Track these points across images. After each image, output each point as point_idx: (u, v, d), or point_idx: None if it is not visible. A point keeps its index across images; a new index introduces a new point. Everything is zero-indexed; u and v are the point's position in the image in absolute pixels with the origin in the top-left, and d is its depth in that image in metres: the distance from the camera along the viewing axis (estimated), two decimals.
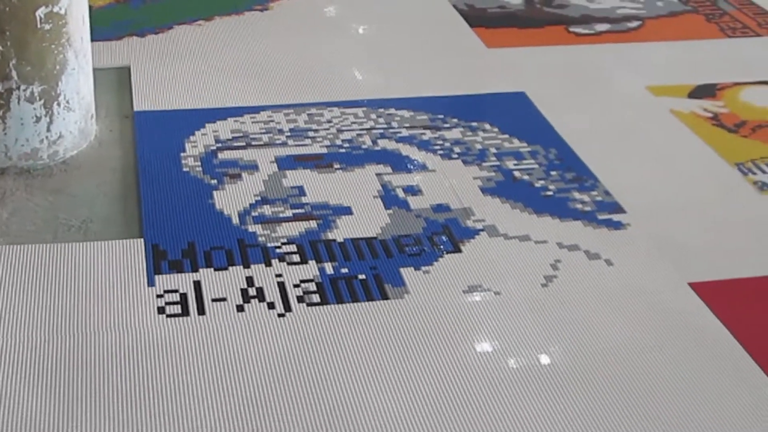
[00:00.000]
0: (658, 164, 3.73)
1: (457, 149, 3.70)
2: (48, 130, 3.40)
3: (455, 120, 3.90)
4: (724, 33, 4.94)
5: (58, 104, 3.39)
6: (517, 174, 3.58)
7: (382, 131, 3.77)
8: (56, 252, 2.98)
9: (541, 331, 2.84)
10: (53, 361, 2.58)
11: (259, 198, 3.31)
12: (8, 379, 2.52)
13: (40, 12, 3.21)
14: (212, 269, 2.97)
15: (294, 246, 3.09)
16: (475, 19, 4.83)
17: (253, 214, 3.23)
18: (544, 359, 2.74)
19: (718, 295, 3.04)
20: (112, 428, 2.41)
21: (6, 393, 2.48)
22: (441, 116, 3.92)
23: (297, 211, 3.26)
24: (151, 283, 2.89)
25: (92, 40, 3.53)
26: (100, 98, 3.73)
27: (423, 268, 3.05)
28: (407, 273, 3.02)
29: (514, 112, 4.01)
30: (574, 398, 2.61)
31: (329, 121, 3.81)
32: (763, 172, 3.74)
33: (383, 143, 3.70)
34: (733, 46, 4.83)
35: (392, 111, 3.93)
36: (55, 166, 3.42)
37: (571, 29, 4.83)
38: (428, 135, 3.78)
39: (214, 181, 3.38)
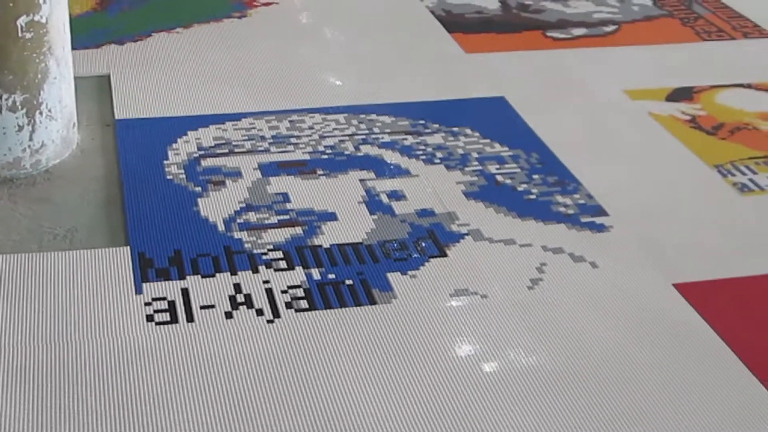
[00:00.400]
0: (639, 167, 3.76)
1: (439, 154, 3.71)
2: (30, 139, 3.38)
3: (436, 125, 3.92)
4: (699, 36, 4.98)
5: (41, 113, 3.38)
6: (499, 178, 3.59)
7: (364, 137, 3.78)
8: (42, 261, 2.97)
9: (528, 334, 2.85)
10: (42, 370, 2.57)
11: (244, 205, 3.31)
12: None
13: (21, 21, 3.20)
14: (199, 276, 2.97)
15: (280, 252, 3.10)
16: (453, 24, 4.85)
17: (238, 221, 3.23)
18: (532, 361, 2.75)
19: (703, 296, 3.07)
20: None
21: None
22: (422, 121, 3.93)
23: (282, 217, 3.27)
24: (138, 291, 2.89)
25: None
26: (81, 107, 3.72)
27: (410, 272, 3.06)
28: (394, 278, 3.03)
29: (494, 117, 4.03)
30: (561, 399, 2.63)
31: (311, 128, 3.82)
32: (743, 173, 3.78)
33: (366, 149, 3.70)
34: (708, 49, 4.87)
35: (373, 117, 3.94)
36: (38, 175, 3.41)
37: (548, 34, 4.86)
38: (410, 140, 3.79)
39: (198, 189, 3.38)
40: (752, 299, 3.11)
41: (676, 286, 3.11)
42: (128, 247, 3.07)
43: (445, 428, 2.50)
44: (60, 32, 3.38)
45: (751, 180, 3.74)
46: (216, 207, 3.29)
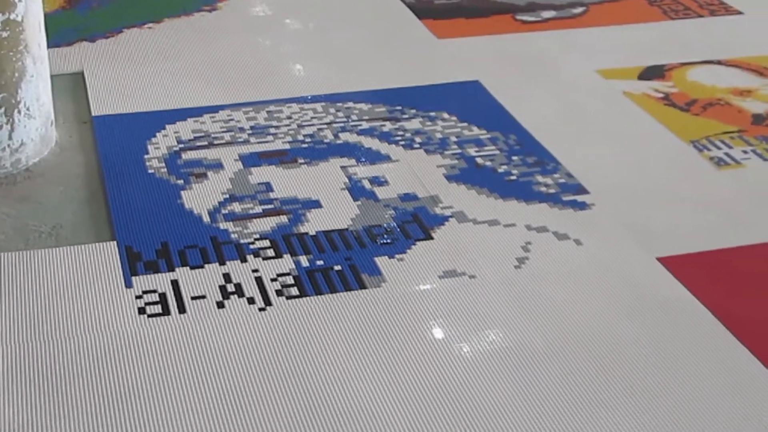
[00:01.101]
0: (616, 145, 3.80)
1: (418, 139, 3.73)
2: (10, 138, 3.37)
3: (413, 110, 3.93)
4: (666, 15, 5.03)
5: (19, 112, 3.37)
6: (479, 161, 3.62)
7: (342, 125, 3.79)
8: (30, 259, 2.96)
9: (518, 312, 2.88)
10: (36, 366, 2.57)
11: (228, 196, 3.32)
12: None
13: None
14: (188, 268, 2.97)
15: (267, 241, 3.10)
16: (423, 11, 4.87)
17: (223, 211, 3.23)
18: (523, 338, 2.78)
19: (687, 269, 3.11)
20: (99, 428, 2.40)
21: None
22: (399, 107, 3.95)
23: (266, 206, 3.27)
24: (128, 284, 2.89)
25: None
26: (57, 105, 3.71)
27: (397, 256, 3.08)
28: (382, 262, 3.04)
29: (470, 101, 4.06)
30: (552, 375, 2.65)
31: (289, 117, 3.82)
32: (718, 148, 3.82)
33: (345, 136, 3.72)
34: (676, 27, 4.92)
35: (350, 105, 3.95)
36: (18, 174, 3.40)
37: (518, 17, 4.89)
38: (388, 126, 3.81)
39: (180, 182, 3.38)
40: (736, 270, 3.15)
41: (661, 260, 3.14)
42: (114, 242, 3.06)
43: (438, 407, 2.52)
44: (35, 30, 3.37)
45: (726, 154, 3.79)
46: (200, 199, 3.29)
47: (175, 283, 2.90)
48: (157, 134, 3.67)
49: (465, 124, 3.86)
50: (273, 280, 2.94)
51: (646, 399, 2.59)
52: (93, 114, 3.79)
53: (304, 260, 3.03)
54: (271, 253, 3.05)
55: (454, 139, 3.75)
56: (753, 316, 2.93)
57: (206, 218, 3.20)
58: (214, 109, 3.86)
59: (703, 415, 2.55)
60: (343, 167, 3.52)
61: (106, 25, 4.49)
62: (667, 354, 2.76)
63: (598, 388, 2.62)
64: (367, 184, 3.42)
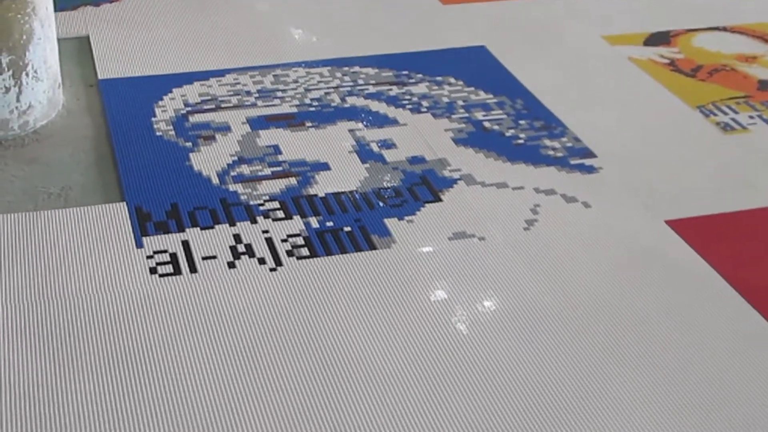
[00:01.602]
0: (622, 110, 3.80)
1: (425, 103, 3.73)
2: (18, 100, 3.36)
3: (420, 75, 3.93)
4: None
5: (27, 74, 3.36)
6: (487, 124, 3.62)
7: (349, 89, 3.79)
8: (40, 220, 2.96)
9: (527, 273, 2.89)
10: (49, 326, 2.58)
11: (236, 158, 3.32)
12: (1, 343, 2.51)
13: None
14: (198, 228, 2.97)
15: (277, 203, 3.11)
16: None
17: (232, 173, 3.24)
18: (532, 299, 2.79)
19: (695, 231, 3.12)
20: (111, 387, 2.41)
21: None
22: (405, 72, 3.95)
23: (275, 169, 3.28)
24: (139, 244, 2.89)
25: None
26: (63, 68, 3.70)
27: (406, 218, 3.08)
28: (392, 223, 3.05)
29: (477, 66, 4.05)
30: (561, 334, 2.66)
31: (296, 81, 3.82)
32: (724, 113, 3.83)
33: (352, 100, 3.72)
34: None
35: (357, 69, 3.95)
36: (26, 136, 3.39)
37: None
38: (395, 90, 3.80)
39: (188, 144, 3.38)
40: (743, 232, 3.16)
41: (668, 222, 3.15)
42: (124, 203, 3.06)
43: (448, 365, 2.53)
44: None
45: (733, 119, 3.79)
46: (208, 161, 3.29)
47: (185, 244, 2.90)
48: (164, 97, 3.67)
49: (472, 89, 3.86)
50: (283, 241, 2.94)
51: (654, 357, 2.61)
52: (99, 77, 3.78)
53: (314, 221, 3.03)
54: (280, 214, 3.05)
55: (461, 103, 3.75)
56: (759, 277, 2.94)
57: (215, 180, 3.20)
58: (220, 73, 3.86)
59: (710, 372, 2.57)
60: (350, 130, 3.52)
61: None
62: (674, 313, 2.77)
63: (607, 347, 2.63)
64: (375, 147, 3.43)
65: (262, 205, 3.09)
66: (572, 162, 3.43)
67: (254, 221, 3.02)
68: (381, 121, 3.59)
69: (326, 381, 2.46)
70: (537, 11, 4.60)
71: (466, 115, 3.67)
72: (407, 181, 3.25)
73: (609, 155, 3.48)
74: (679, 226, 3.15)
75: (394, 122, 3.59)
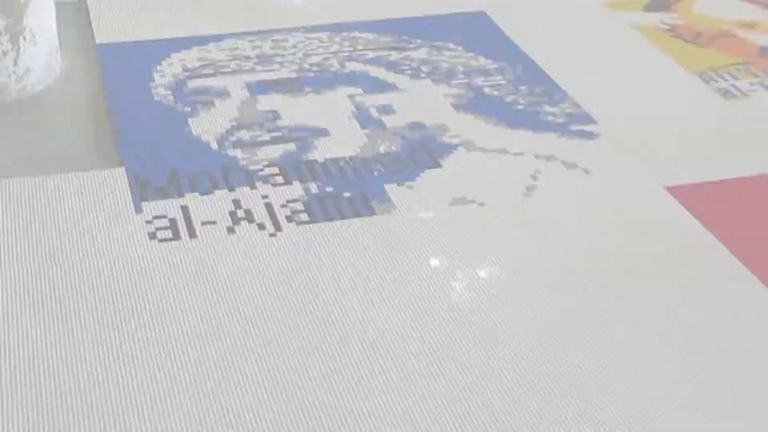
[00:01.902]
0: (623, 76, 3.79)
1: (424, 68, 3.72)
2: (15, 64, 3.35)
3: (419, 40, 3.91)
4: None
5: (24, 38, 3.34)
6: (486, 90, 3.60)
7: (348, 54, 3.77)
8: (40, 185, 2.96)
9: (528, 239, 2.88)
10: (47, 289, 2.57)
11: (235, 123, 3.31)
12: (3, 307, 2.51)
13: None
14: (198, 194, 2.96)
15: (276, 168, 3.09)
16: None
17: (231, 139, 3.22)
18: (533, 265, 2.78)
19: (696, 197, 3.11)
20: (111, 350, 2.41)
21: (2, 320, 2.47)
22: (405, 37, 3.93)
23: (274, 134, 3.26)
24: (138, 209, 2.88)
25: None
26: (60, 33, 3.68)
27: (406, 183, 3.07)
28: (391, 189, 3.04)
29: (477, 32, 4.03)
30: (562, 300, 2.66)
31: (294, 46, 3.80)
32: (725, 79, 3.81)
33: (351, 65, 3.70)
34: None
35: (356, 34, 3.93)
36: (24, 101, 3.38)
37: None
38: (394, 56, 3.79)
39: (187, 109, 3.36)
40: (743, 199, 3.15)
41: (669, 188, 3.14)
42: (123, 168, 3.05)
43: (449, 331, 2.53)
44: None
45: (733, 86, 3.78)
46: (208, 126, 3.28)
47: (184, 209, 2.90)
48: (163, 62, 3.65)
49: (471, 54, 3.84)
50: (283, 206, 2.94)
51: (657, 322, 2.60)
52: (97, 42, 3.76)
53: (313, 187, 3.02)
54: (280, 179, 3.04)
55: (460, 69, 3.73)
56: (759, 243, 2.94)
57: (214, 145, 3.19)
58: (218, 38, 3.84)
59: (711, 337, 2.56)
60: (350, 96, 3.50)
61: None
62: (676, 279, 2.77)
63: (608, 313, 2.63)
64: (374, 113, 3.41)
65: (261, 170, 3.08)
66: (572, 128, 3.42)
67: (253, 186, 3.01)
68: (380, 86, 3.57)
69: (326, 345, 2.46)
70: None
71: (466, 80, 3.66)
72: (407, 147, 3.24)
73: (609, 121, 3.47)
74: (682, 192, 3.14)
75: (393, 88, 3.57)
